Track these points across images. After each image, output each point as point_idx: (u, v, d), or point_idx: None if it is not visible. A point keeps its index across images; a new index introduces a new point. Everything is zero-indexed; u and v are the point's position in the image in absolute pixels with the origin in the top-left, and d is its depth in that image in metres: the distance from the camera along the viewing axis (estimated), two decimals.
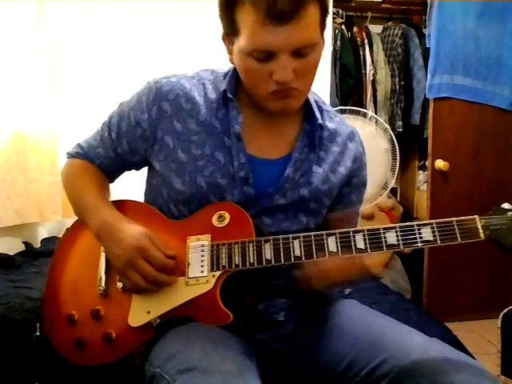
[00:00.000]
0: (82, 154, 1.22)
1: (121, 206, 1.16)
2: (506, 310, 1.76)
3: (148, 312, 1.04)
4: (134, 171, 1.23)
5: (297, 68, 0.98)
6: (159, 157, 1.11)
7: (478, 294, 2.87)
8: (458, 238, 0.95)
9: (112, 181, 1.26)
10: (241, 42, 0.98)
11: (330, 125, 1.17)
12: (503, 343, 1.72)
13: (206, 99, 1.11)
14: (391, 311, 1.74)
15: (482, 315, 2.73)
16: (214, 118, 1.10)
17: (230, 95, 1.09)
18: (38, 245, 2.41)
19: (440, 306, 2.79)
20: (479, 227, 0.95)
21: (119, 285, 1.07)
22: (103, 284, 1.09)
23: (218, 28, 1.05)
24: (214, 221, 1.06)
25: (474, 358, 1.06)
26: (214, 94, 1.12)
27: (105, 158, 1.20)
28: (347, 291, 1.96)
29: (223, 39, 1.07)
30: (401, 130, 3.00)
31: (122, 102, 1.19)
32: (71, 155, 1.25)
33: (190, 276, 1.03)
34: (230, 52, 1.06)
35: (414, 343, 1.00)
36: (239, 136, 1.08)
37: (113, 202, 1.17)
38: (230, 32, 1.01)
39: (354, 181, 1.20)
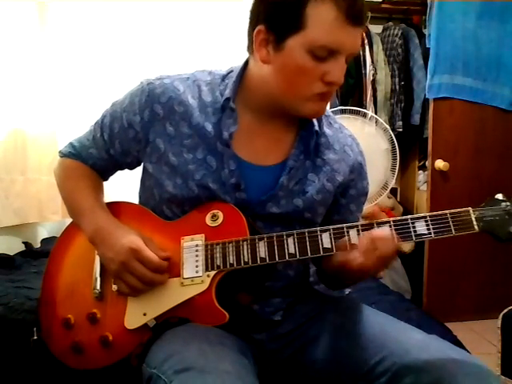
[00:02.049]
0: (74, 154, 1.22)
1: (115, 208, 1.15)
2: (506, 310, 1.76)
3: (144, 314, 1.04)
4: (128, 171, 1.23)
5: (344, 71, 1.01)
6: (152, 159, 1.11)
7: (478, 294, 2.86)
8: (452, 230, 0.95)
9: (106, 179, 1.25)
10: (306, 36, 0.96)
11: (327, 131, 1.15)
12: (503, 343, 1.72)
13: (200, 102, 1.09)
14: (391, 311, 1.73)
15: (482, 315, 2.72)
16: (208, 122, 1.08)
17: (232, 105, 1.06)
18: (38, 245, 2.41)
19: (440, 306, 2.79)
20: (473, 219, 0.95)
21: (114, 287, 1.07)
22: (98, 287, 1.09)
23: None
24: (208, 220, 1.06)
25: None
26: (209, 97, 1.09)
27: (98, 159, 1.20)
28: (347, 291, 1.96)
29: (258, 34, 1.00)
30: (401, 130, 2.99)
31: (115, 101, 1.17)
32: (64, 154, 1.24)
33: (184, 276, 1.03)
34: (267, 49, 1.00)
35: (413, 340, 1.00)
36: (228, 143, 1.06)
37: (107, 204, 1.17)
38: (288, 26, 0.96)
39: (352, 192, 1.17)
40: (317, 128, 1.10)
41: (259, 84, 1.06)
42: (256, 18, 1.01)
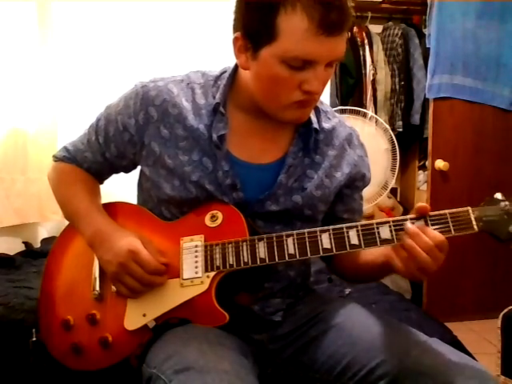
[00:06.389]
0: (69, 158, 1.21)
1: (113, 208, 1.15)
2: (506, 310, 1.75)
3: (144, 315, 1.04)
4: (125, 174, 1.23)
5: (323, 79, 0.99)
6: (148, 162, 1.11)
7: (477, 293, 2.86)
8: (452, 230, 0.95)
9: (101, 183, 1.25)
10: (278, 47, 0.94)
11: (326, 126, 1.14)
12: (503, 343, 1.72)
13: (193, 104, 1.09)
14: (391, 311, 1.74)
15: (482, 315, 2.72)
16: (201, 125, 1.08)
17: (222, 110, 1.07)
18: (38, 245, 2.41)
19: (440, 306, 2.79)
20: (472, 219, 0.94)
21: (113, 288, 1.07)
22: (97, 288, 1.08)
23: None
24: (207, 221, 1.06)
25: (474, 358, 1.06)
26: (202, 100, 1.09)
27: (93, 163, 1.19)
28: (347, 291, 1.96)
29: (236, 41, 1.00)
30: (401, 129, 3.00)
31: (109, 104, 1.17)
32: (58, 158, 1.23)
33: (184, 277, 1.03)
34: (246, 56, 1.00)
35: (414, 343, 1.00)
36: (218, 145, 1.06)
37: (105, 204, 1.16)
38: (262, 36, 0.95)
39: (357, 184, 1.19)
40: (315, 125, 1.10)
41: (246, 87, 1.06)
42: (235, 23, 1.01)
